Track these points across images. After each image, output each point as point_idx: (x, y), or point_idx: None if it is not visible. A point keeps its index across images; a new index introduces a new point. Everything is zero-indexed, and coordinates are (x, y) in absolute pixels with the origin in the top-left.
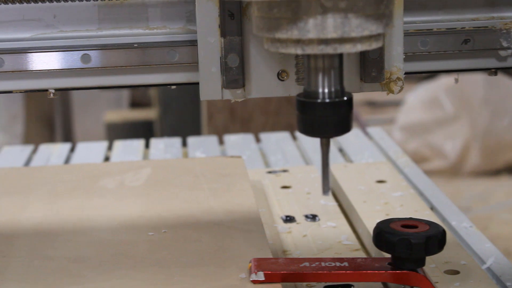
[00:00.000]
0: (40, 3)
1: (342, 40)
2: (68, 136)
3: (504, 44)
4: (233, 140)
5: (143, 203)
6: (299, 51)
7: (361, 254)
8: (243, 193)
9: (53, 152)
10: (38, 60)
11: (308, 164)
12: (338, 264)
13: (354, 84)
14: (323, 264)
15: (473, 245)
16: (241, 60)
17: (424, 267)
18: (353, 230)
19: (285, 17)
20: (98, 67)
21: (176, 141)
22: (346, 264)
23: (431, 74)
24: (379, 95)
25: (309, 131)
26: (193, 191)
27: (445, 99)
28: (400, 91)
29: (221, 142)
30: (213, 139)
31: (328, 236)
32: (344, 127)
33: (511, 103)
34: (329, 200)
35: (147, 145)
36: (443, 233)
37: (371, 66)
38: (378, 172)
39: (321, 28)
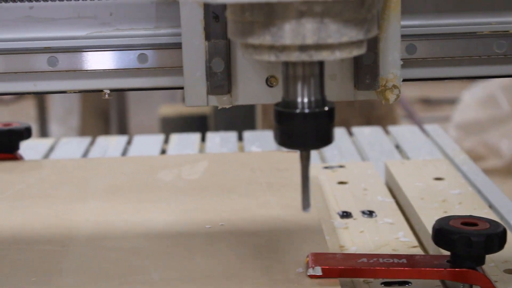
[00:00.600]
0: (96, 0)
1: (318, 47)
2: (123, 130)
3: None
4: None
5: (200, 196)
6: (272, 58)
7: (418, 251)
8: (299, 188)
9: (110, 145)
10: (93, 60)
11: (364, 160)
12: (396, 260)
13: (347, 91)
14: (381, 260)
15: None
16: (226, 64)
17: (483, 266)
18: (410, 227)
19: (258, 21)
20: (155, 67)
21: (232, 135)
22: (404, 260)
23: None
24: (434, 93)
25: (288, 143)
26: (250, 185)
27: (502, 98)
28: (396, 99)
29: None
30: (268, 134)
31: (385, 232)
32: (325, 139)
33: None
34: (386, 197)
35: (203, 139)
36: (503, 231)
37: (365, 73)
38: (435, 169)
39: (296, 33)
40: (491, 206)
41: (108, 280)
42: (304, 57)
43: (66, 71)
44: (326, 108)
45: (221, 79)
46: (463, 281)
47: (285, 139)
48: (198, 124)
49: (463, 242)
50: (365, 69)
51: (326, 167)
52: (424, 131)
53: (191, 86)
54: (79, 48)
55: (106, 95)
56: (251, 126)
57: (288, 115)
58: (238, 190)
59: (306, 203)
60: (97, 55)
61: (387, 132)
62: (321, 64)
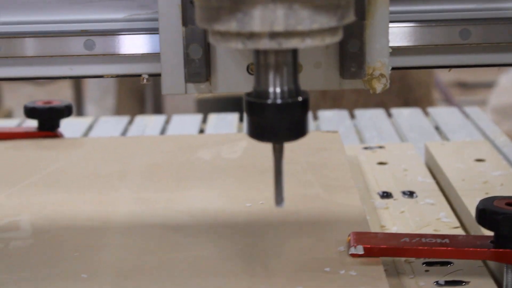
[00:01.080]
0: None
1: (287, 34)
2: (159, 111)
3: None
4: (327, 115)
5: (240, 175)
6: (239, 46)
7: (460, 232)
8: (340, 167)
9: (148, 124)
10: (131, 43)
11: (403, 141)
12: (439, 240)
13: (333, 80)
14: (423, 240)
15: None
16: (204, 51)
17: None
18: (451, 208)
19: (223, 7)
20: None
21: None
22: (447, 240)
23: None
24: (471, 76)
25: (259, 135)
26: (290, 165)
27: None
28: (384, 89)
29: (314, 117)
30: None
31: (426, 213)
32: (298, 131)
33: None
34: (427, 177)
35: (241, 119)
36: None
37: (351, 61)
38: (476, 151)
39: (263, 20)
40: None
41: (150, 256)
42: (272, 45)
43: (103, 55)
44: (300, 99)
45: (199, 66)
46: (506, 262)
47: (257, 131)
48: (234, 105)
49: (508, 222)
50: (350, 57)
51: (365, 148)
52: (463, 113)
53: (169, 73)
54: (117, 31)
55: (145, 80)
56: None
57: (259, 105)
58: None
59: (279, 198)
60: (135, 39)
61: (426, 113)
62: (294, 51)
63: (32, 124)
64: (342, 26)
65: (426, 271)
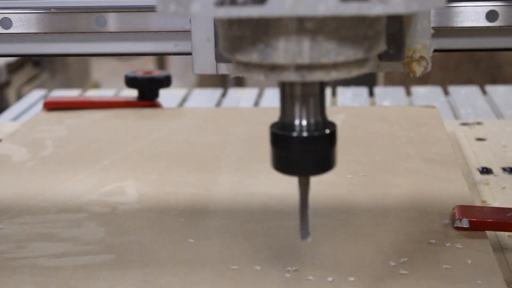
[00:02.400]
0: None
1: (312, 67)
2: (240, 84)
3: None
4: (420, 92)
5: (340, 147)
6: (262, 77)
7: None
8: (440, 142)
9: (241, 97)
10: None
11: (499, 118)
12: None
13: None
14: None
15: None
16: None
17: None
18: None
19: (245, 37)
20: None
21: (363, 90)
22: None
23: None
24: None
25: (284, 169)
26: (389, 138)
27: None
28: (424, 72)
29: (408, 93)
30: (400, 90)
31: None
32: (325, 165)
33: None
34: None
35: (333, 93)
36: None
37: (389, 43)
38: None
39: (285, 51)
40: None
41: (254, 224)
42: (296, 77)
43: None
44: (327, 131)
45: None
46: None
47: (282, 164)
48: None
49: None
50: (389, 38)
51: (463, 124)
52: None
53: (200, 53)
54: None
55: None
56: (371, 84)
57: (284, 138)
58: (378, 143)
59: (305, 232)
60: None
61: None
62: (320, 83)
63: (130, 93)
64: (371, 57)
65: None
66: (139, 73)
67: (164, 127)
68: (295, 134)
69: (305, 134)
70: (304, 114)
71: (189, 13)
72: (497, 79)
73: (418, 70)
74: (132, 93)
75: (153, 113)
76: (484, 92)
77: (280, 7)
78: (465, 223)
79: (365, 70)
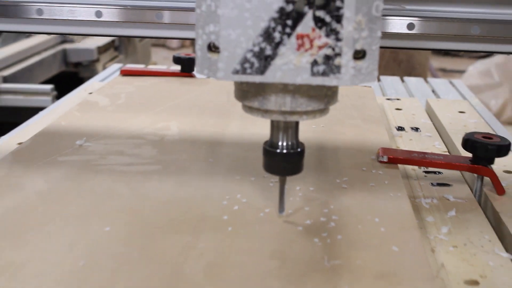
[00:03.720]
0: None
1: (292, 113)
2: None
3: None
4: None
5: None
6: (260, 117)
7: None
8: (373, 109)
9: None
10: None
11: (411, 97)
12: (435, 157)
13: None
14: (426, 156)
15: None
16: None
17: (492, 166)
18: (442, 140)
19: (250, 91)
20: None
21: None
22: (441, 158)
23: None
24: (449, 65)
25: (271, 171)
26: (341, 105)
27: (494, 71)
28: None
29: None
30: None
31: (426, 142)
32: (296, 170)
33: None
34: (426, 119)
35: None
36: (509, 144)
37: None
38: (459, 106)
39: (275, 102)
40: (493, 130)
41: (252, 152)
42: (281, 118)
43: None
44: (299, 150)
45: None
46: (478, 173)
47: (269, 168)
48: None
49: (482, 148)
50: None
51: (388, 99)
52: (451, 83)
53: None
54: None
55: None
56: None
57: (272, 153)
58: (334, 107)
59: (281, 209)
60: None
61: (426, 82)
62: (296, 122)
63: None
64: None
65: (425, 176)
66: (182, 55)
67: (197, 90)
68: (278, 150)
69: (285, 151)
70: (284, 138)
71: (216, 77)
72: (411, 74)
73: None
74: (177, 68)
75: (190, 81)
76: (402, 81)
77: (273, 77)
78: (385, 159)
79: (324, 114)
